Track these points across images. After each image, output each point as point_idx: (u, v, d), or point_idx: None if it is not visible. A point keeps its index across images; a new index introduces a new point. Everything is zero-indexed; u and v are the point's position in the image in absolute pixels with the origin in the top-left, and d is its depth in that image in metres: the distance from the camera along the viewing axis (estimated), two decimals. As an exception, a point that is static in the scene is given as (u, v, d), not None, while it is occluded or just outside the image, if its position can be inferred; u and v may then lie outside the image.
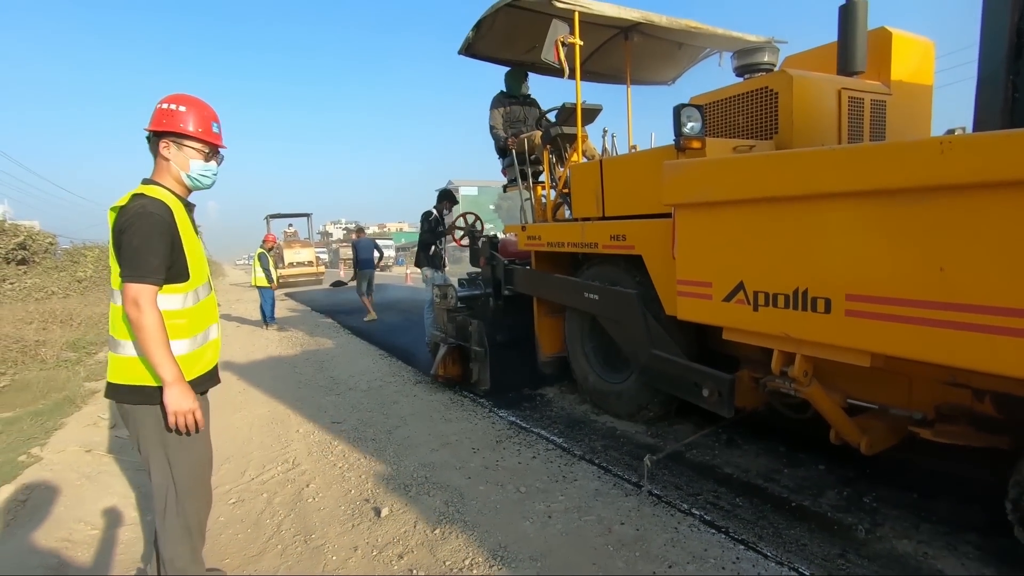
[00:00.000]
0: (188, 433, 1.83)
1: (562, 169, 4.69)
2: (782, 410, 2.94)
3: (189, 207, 1.97)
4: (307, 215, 24.98)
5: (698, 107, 2.94)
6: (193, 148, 1.91)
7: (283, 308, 12.91)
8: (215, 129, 1.95)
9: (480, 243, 5.39)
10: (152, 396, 1.80)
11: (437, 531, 2.60)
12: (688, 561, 2.23)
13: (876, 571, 2.11)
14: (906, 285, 1.85)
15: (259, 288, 9.93)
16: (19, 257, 15.09)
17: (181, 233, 1.84)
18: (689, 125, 2.90)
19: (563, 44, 3.94)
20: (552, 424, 3.99)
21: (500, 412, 4.33)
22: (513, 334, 4.71)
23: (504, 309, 4.96)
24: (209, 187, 2.01)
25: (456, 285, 5.47)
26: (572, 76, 4.18)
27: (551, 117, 4.92)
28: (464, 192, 64.26)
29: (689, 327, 3.00)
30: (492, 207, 50.68)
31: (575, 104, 4.24)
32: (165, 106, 1.88)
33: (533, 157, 5.09)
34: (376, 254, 10.26)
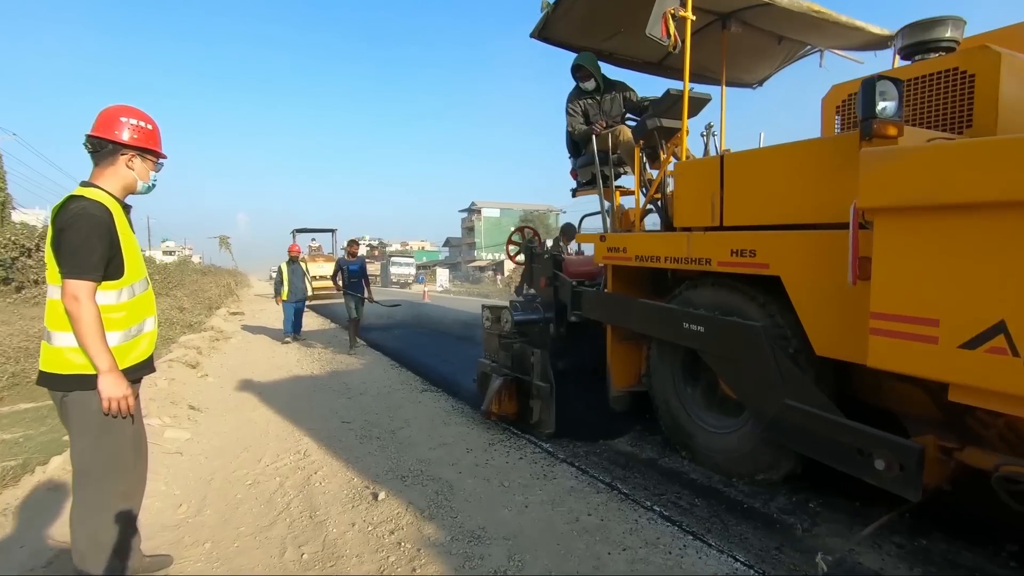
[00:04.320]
0: (120, 417, 1.98)
1: (650, 170, 4.16)
2: (1007, 500, 2.10)
3: (127, 208, 2.13)
4: (332, 230, 25.68)
5: (895, 81, 2.22)
6: (153, 160, 2.16)
7: (304, 320, 13.41)
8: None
9: (541, 261, 4.63)
10: (85, 383, 1.93)
11: (426, 514, 2.91)
12: (640, 546, 2.50)
13: (804, 561, 2.39)
14: None
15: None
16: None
17: (119, 233, 1.99)
18: (883, 105, 2.18)
19: (672, 17, 3.41)
20: (527, 422, 4.15)
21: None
22: (577, 366, 4.15)
23: (566, 337, 4.29)
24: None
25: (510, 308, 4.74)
26: (681, 53, 3.55)
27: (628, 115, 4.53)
28: (486, 213, 65.08)
29: (827, 369, 2.54)
30: (513, 229, 51.07)
31: (681, 92, 3.55)
32: (135, 122, 2.07)
33: (615, 156, 4.36)
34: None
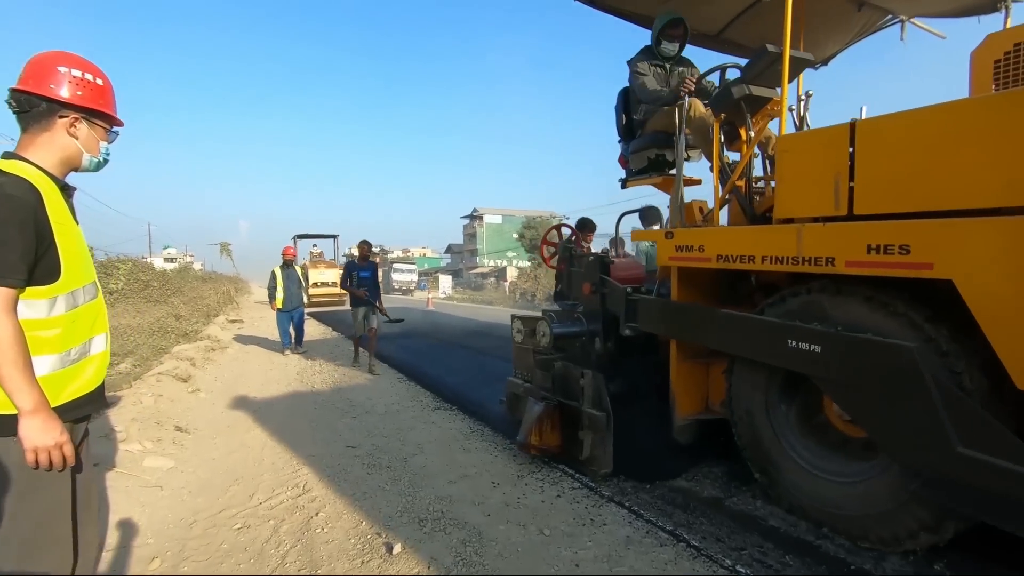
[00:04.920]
0: (55, 469, 1.45)
1: (727, 153, 3.45)
2: None
3: (68, 191, 1.61)
4: (334, 236, 25.31)
5: None
6: (103, 127, 1.65)
7: (305, 328, 12.87)
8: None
9: (583, 264, 3.86)
10: (2, 426, 1.42)
11: (453, 574, 2.39)
12: (735, 630, 1.97)
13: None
14: None
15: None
16: (54, 268, 15.53)
17: (53, 222, 1.49)
18: None
19: None
20: (576, 458, 3.71)
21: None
22: (626, 387, 3.48)
23: (614, 353, 3.59)
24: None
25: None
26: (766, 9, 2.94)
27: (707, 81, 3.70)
28: (488, 220, 64.73)
29: (1011, 408, 1.99)
30: (516, 236, 50.74)
31: (779, 51, 2.82)
32: (79, 74, 1.55)
33: (686, 136, 3.49)
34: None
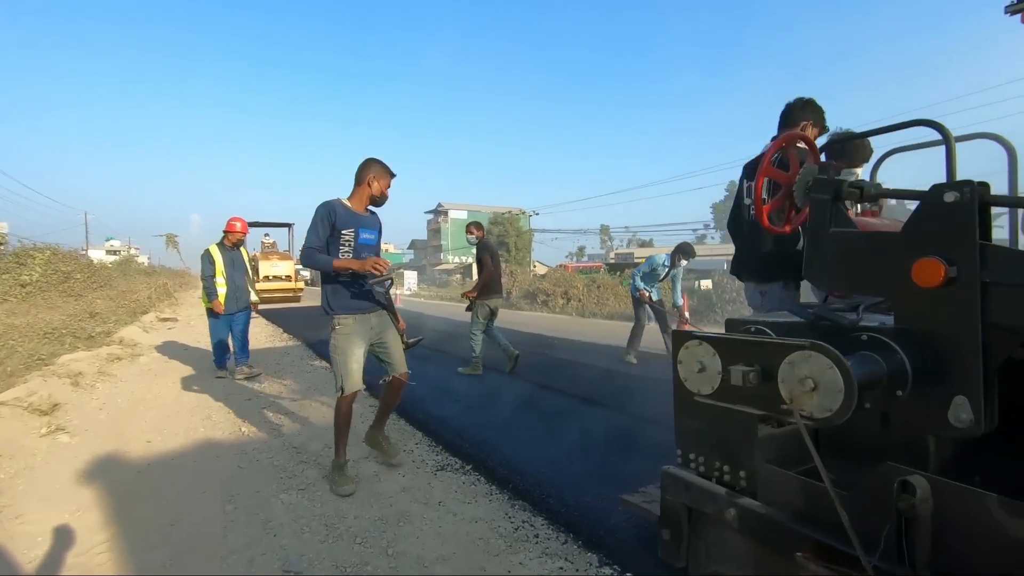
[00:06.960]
0: None
1: None
2: None
3: None
4: (289, 225, 22.93)
5: None
6: None
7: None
8: None
9: (919, 219, 1.26)
10: None
11: None
12: None
13: None
14: None
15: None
16: (-39, 257, 12.96)
17: None
18: None
19: None
20: None
21: (610, 562, 2.22)
22: None
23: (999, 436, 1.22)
24: None
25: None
26: None
27: None
28: (453, 215, 62.58)
29: None
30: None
31: None
32: None
33: None
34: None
